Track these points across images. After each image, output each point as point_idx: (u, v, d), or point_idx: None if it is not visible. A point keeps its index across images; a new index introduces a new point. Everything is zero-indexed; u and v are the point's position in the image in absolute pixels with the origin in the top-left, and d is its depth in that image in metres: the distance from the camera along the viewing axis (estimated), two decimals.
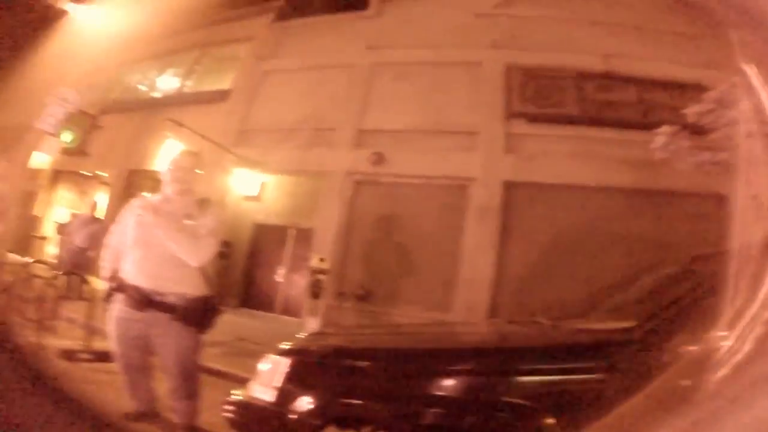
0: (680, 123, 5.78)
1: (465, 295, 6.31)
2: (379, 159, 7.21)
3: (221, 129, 7.88)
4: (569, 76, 7.63)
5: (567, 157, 6.92)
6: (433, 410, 1.98)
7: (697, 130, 5.72)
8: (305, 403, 2.13)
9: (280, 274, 7.44)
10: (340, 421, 2.11)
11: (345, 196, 7.36)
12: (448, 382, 2.05)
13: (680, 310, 2.22)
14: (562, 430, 1.88)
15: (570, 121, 7.47)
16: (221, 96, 8.36)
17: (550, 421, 1.90)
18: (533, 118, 7.46)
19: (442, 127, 7.20)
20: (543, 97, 7.59)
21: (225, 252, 6.63)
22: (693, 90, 6.17)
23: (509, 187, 6.83)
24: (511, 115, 7.45)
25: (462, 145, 7.17)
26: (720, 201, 5.91)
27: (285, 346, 2.43)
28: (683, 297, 2.34)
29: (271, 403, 2.22)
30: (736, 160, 5.23)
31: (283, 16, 8.34)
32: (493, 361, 2.15)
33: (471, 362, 2.16)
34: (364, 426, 2.10)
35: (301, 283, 6.94)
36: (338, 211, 7.31)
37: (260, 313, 7.31)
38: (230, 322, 4.10)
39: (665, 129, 5.80)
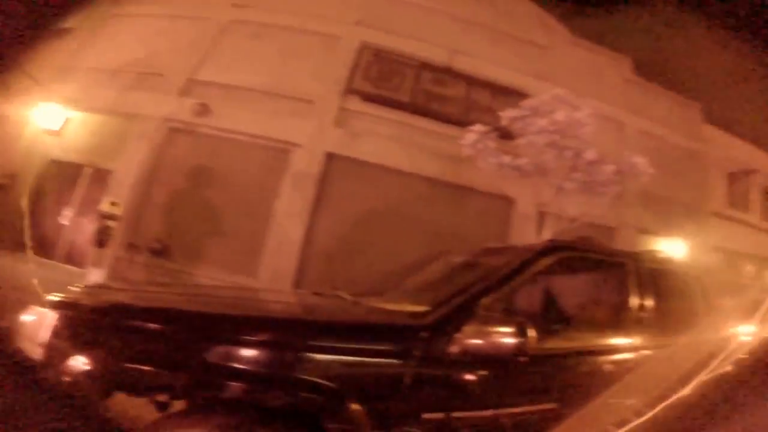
0: (493, 124, 6.32)
1: (272, 262, 6.25)
2: (203, 110, 6.93)
3: (42, 63, 6.77)
4: (413, 64, 8.04)
5: (389, 140, 7.20)
6: (233, 383, 1.84)
7: (505, 134, 6.30)
8: (80, 364, 1.85)
9: (65, 216, 6.64)
10: (129, 388, 1.89)
11: (155, 141, 6.80)
12: (249, 353, 1.92)
13: (468, 300, 2.29)
14: (372, 420, 1.83)
15: (399, 106, 7.77)
16: (64, 33, 7.17)
17: (356, 407, 1.85)
18: (367, 97, 7.72)
19: (280, 91, 7.17)
20: (383, 79, 7.92)
21: (3, 183, 5.71)
22: (517, 96, 6.84)
23: (331, 158, 6.91)
24: (349, 90, 7.65)
25: (295, 111, 7.19)
26: (510, 203, 6.65)
27: (54, 297, 2.12)
28: (470, 286, 2.43)
29: (38, 362, 1.91)
30: (531, 167, 5.95)
31: None
32: (294, 334, 2.05)
33: (272, 333, 2.03)
34: (157, 395, 1.91)
35: (89, 228, 6.24)
36: (144, 155, 6.72)
37: (40, 258, 6.45)
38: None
39: (477, 127, 6.30)
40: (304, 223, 6.51)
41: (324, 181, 6.82)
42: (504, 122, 6.37)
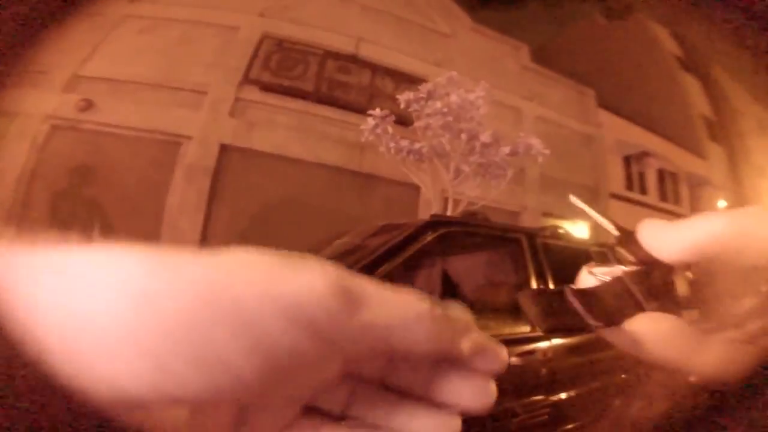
0: (391, 109, 6.30)
1: None
2: (87, 105, 6.53)
3: None
4: (316, 53, 7.98)
5: (288, 129, 7.07)
6: None
7: (403, 118, 6.29)
8: None
9: None
10: None
11: (37, 140, 6.33)
12: None
13: None
14: None
15: (301, 95, 7.80)
16: None
17: None
18: (266, 87, 7.56)
19: (170, 83, 6.90)
20: (284, 68, 7.80)
21: None
22: (420, 84, 6.79)
23: (226, 150, 6.67)
24: (246, 81, 7.47)
25: (187, 103, 6.91)
26: (416, 190, 6.63)
27: None
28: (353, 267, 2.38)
29: None
30: (428, 151, 5.95)
31: None
32: None
33: None
34: None
35: None
36: (25, 155, 6.24)
37: None
38: None
39: (376, 112, 6.26)
40: (199, 217, 6.22)
41: (219, 173, 6.56)
42: (402, 106, 6.37)
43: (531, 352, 2.34)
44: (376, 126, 6.25)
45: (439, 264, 2.64)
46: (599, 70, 17.97)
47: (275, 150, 6.85)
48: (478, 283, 2.77)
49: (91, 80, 6.73)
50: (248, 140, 6.85)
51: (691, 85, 22.34)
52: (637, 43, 21.98)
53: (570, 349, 2.48)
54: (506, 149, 6.47)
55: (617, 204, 13.62)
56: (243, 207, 6.50)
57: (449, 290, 2.74)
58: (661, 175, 17.30)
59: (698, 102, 22.20)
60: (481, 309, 2.55)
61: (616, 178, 14.47)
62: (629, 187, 15.28)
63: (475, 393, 0.31)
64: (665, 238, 0.35)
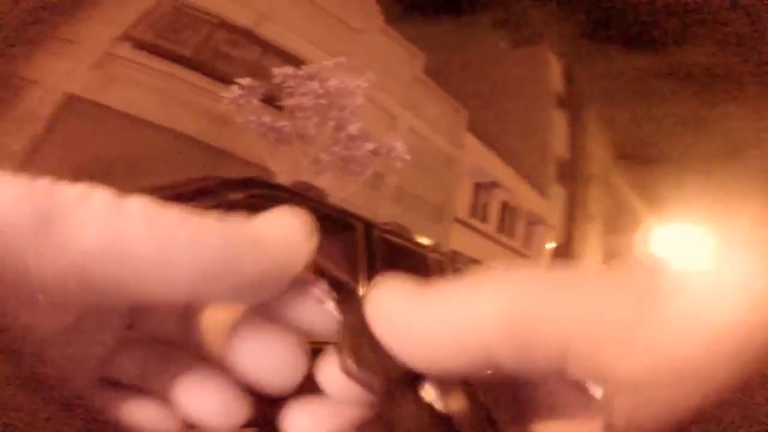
0: (264, 82, 6.00)
1: None
2: None
3: None
4: (211, 22, 7.60)
5: (150, 91, 6.60)
6: None
7: (273, 95, 5.99)
8: None
9: None
10: None
11: None
12: None
13: None
14: None
15: (175, 59, 7.36)
16: None
17: None
18: (140, 45, 7.15)
19: (59, 35, 6.31)
20: (170, 30, 7.43)
21: None
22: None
23: (71, 99, 6.10)
24: (123, 37, 7.09)
25: (60, 52, 6.41)
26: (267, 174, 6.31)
27: None
28: None
29: None
30: (291, 132, 5.65)
31: None
32: None
33: None
34: None
35: None
36: None
37: None
38: None
39: (245, 81, 5.90)
40: (15, 165, 5.49)
41: (55, 122, 5.97)
42: (277, 80, 6.07)
43: None
44: (241, 96, 5.89)
45: None
46: (481, 92, 18.89)
47: (127, 108, 6.37)
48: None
49: None
50: (98, 94, 6.31)
51: (558, 123, 24.24)
52: (527, 73, 23.40)
53: None
54: (370, 146, 6.42)
55: (459, 229, 14.28)
56: (69, 158, 5.90)
57: None
58: (504, 207, 18.56)
59: (558, 141, 24.17)
60: None
61: (463, 202, 15.23)
62: (473, 214, 16.17)
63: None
64: (406, 326, 0.22)
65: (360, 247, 2.30)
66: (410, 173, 10.57)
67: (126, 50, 6.99)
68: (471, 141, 14.88)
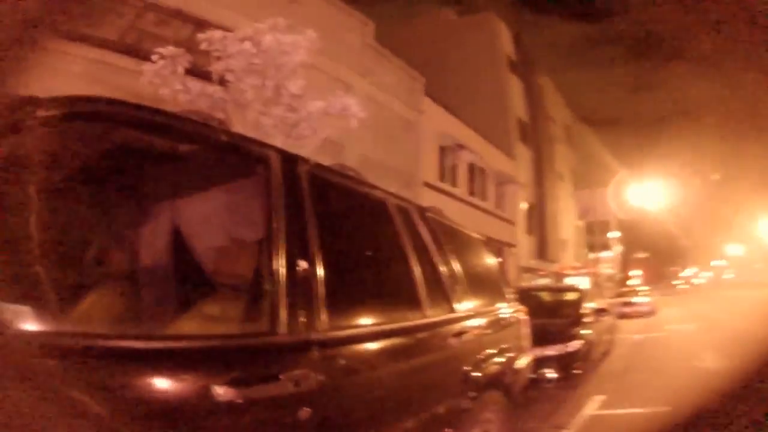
0: (187, 48, 5.29)
1: None
2: None
3: None
4: (135, 5, 7.32)
5: (77, 78, 5.86)
6: None
7: (197, 57, 5.28)
8: None
9: None
10: None
11: None
12: None
13: None
14: None
15: (99, 44, 6.93)
16: None
17: None
18: (62, 35, 6.35)
19: None
20: (90, 16, 6.76)
21: None
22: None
23: None
24: (29, 24, 6.12)
25: None
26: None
27: None
28: None
29: None
30: (225, 97, 4.83)
31: None
32: None
33: None
34: None
35: None
36: None
37: None
38: None
39: (166, 50, 5.16)
40: None
41: None
42: (202, 46, 5.31)
43: None
44: (164, 66, 5.11)
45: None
46: (434, 62, 18.31)
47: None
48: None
49: None
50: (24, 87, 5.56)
51: (515, 87, 23.95)
52: (477, 39, 22.94)
53: None
54: (318, 104, 5.71)
55: (429, 193, 13.72)
56: None
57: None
58: (472, 169, 18.11)
59: (517, 104, 23.90)
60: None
61: (431, 167, 14.65)
62: (442, 177, 15.64)
63: None
64: None
65: (275, 183, 1.54)
66: (373, 142, 9.94)
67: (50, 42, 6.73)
68: (431, 106, 14.33)
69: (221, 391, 1.21)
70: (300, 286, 1.52)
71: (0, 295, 1.46)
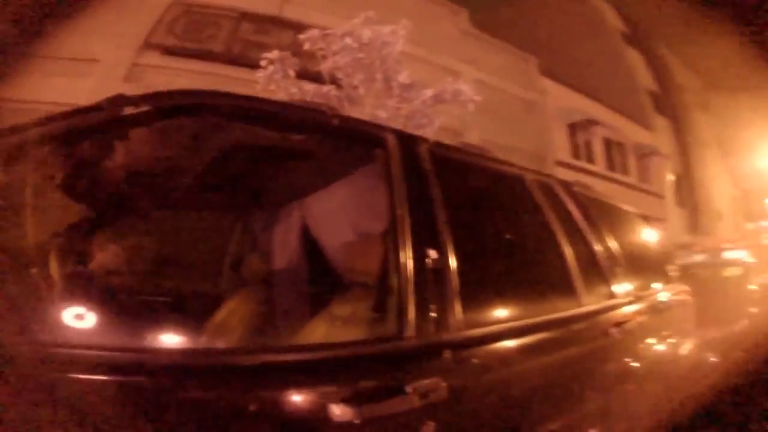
0: (292, 50, 5.47)
1: None
2: None
3: None
4: (231, 16, 7.51)
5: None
6: None
7: (304, 59, 5.43)
8: None
9: None
10: None
11: None
12: None
13: None
14: None
15: (208, 57, 7.26)
16: None
17: None
18: (168, 51, 7.12)
19: (56, 54, 6.21)
20: (191, 31, 7.37)
21: None
22: None
23: None
24: (147, 46, 7.06)
25: (76, 72, 6.33)
26: None
27: None
28: None
29: None
30: (339, 95, 4.84)
31: None
32: None
33: None
34: None
35: None
36: None
37: None
38: None
39: (272, 54, 5.35)
40: None
41: None
42: (305, 46, 5.42)
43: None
44: (275, 71, 5.26)
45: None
46: (541, 41, 17.42)
47: None
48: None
49: None
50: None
51: (636, 60, 22.15)
52: (582, 17, 21.62)
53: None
54: (429, 91, 5.57)
55: (564, 172, 12.91)
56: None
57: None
58: (608, 144, 16.83)
59: (643, 76, 22.01)
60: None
61: (561, 145, 13.83)
62: (576, 155, 14.70)
63: None
64: None
65: (395, 166, 1.39)
66: (493, 125, 9.58)
67: (154, 58, 7.14)
68: (550, 85, 13.60)
69: (337, 411, 1.06)
70: (430, 279, 1.32)
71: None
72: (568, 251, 1.85)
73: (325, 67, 5.42)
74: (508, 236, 1.71)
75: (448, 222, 1.43)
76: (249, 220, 2.24)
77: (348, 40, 5.33)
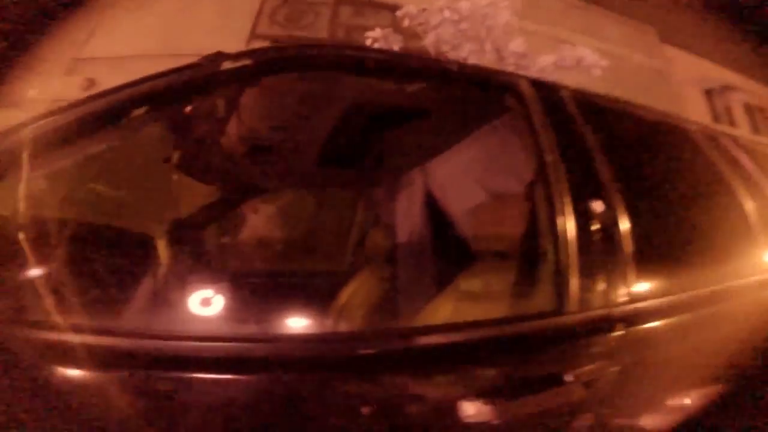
0: (393, 26, 5.36)
1: None
2: (90, 84, 6.38)
3: None
4: (327, 3, 7.47)
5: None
6: None
7: (407, 36, 5.29)
8: None
9: None
10: None
11: None
12: None
13: None
14: None
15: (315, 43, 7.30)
16: None
17: None
18: (276, 40, 7.09)
19: (173, 51, 6.45)
20: (292, 20, 7.35)
21: None
22: None
23: None
24: (253, 37, 7.10)
25: None
26: None
27: None
28: None
29: None
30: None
31: None
32: None
33: None
34: None
35: None
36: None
37: None
38: None
39: (375, 32, 5.25)
40: None
41: None
42: (405, 23, 5.29)
43: None
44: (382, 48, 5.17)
45: None
46: (655, 11, 15.88)
47: None
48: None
49: (91, 61, 6.54)
50: None
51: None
52: None
53: None
54: (548, 58, 5.17)
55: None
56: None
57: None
58: (749, 108, 15.07)
59: None
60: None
61: (699, 113, 12.65)
62: (716, 120, 13.36)
63: None
64: None
65: (536, 114, 1.16)
66: (620, 93, 8.79)
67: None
68: (675, 53, 12.68)
69: (474, 408, 0.86)
70: (595, 239, 1.08)
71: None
72: (749, 207, 1.50)
73: (429, 41, 5.24)
74: (680, 190, 1.40)
75: (608, 174, 1.17)
76: (371, 193, 2.12)
77: (447, 13, 5.12)
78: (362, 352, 0.92)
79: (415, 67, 1.26)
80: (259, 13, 7.14)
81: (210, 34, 6.69)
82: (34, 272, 1.00)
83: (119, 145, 1.11)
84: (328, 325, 1.63)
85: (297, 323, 1.48)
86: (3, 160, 0.92)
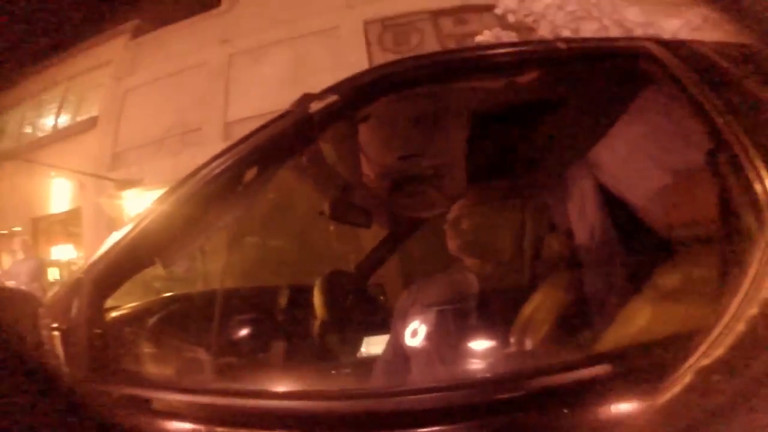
0: (500, 24, 5.13)
1: None
2: None
3: (95, 156, 7.41)
4: (424, 18, 7.31)
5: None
6: None
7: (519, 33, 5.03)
8: None
9: None
10: None
11: None
12: None
13: None
14: None
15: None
16: (91, 124, 7.86)
17: None
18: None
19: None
20: (401, 43, 7.24)
21: None
22: None
23: None
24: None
25: None
26: None
27: None
28: None
29: None
30: None
31: (139, 33, 7.71)
32: None
33: None
34: None
35: None
36: None
37: None
38: None
39: (485, 35, 5.06)
40: None
41: None
42: (510, 19, 5.02)
43: None
44: None
45: None
46: None
47: None
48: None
49: (240, 122, 6.60)
50: None
51: None
52: None
53: None
54: (674, 21, 4.57)
55: None
56: None
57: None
58: None
59: None
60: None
61: None
62: None
63: None
64: None
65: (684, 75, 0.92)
66: None
67: None
68: None
69: None
70: None
71: None
72: None
73: (544, 30, 4.87)
74: None
75: None
76: (536, 199, 1.92)
77: (539, 5, 4.75)
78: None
79: (518, 56, 1.10)
80: (368, 44, 7.13)
81: (330, 75, 6.94)
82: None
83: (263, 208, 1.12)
84: (510, 343, 1.48)
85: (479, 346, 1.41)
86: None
